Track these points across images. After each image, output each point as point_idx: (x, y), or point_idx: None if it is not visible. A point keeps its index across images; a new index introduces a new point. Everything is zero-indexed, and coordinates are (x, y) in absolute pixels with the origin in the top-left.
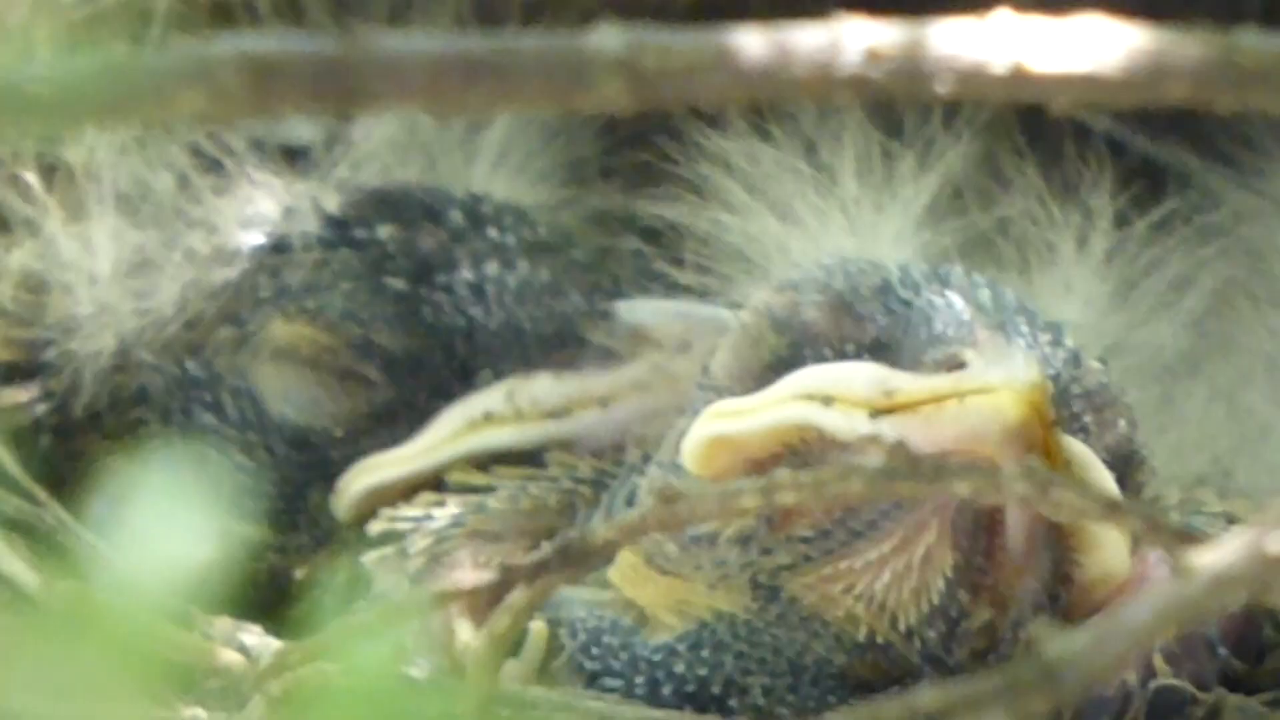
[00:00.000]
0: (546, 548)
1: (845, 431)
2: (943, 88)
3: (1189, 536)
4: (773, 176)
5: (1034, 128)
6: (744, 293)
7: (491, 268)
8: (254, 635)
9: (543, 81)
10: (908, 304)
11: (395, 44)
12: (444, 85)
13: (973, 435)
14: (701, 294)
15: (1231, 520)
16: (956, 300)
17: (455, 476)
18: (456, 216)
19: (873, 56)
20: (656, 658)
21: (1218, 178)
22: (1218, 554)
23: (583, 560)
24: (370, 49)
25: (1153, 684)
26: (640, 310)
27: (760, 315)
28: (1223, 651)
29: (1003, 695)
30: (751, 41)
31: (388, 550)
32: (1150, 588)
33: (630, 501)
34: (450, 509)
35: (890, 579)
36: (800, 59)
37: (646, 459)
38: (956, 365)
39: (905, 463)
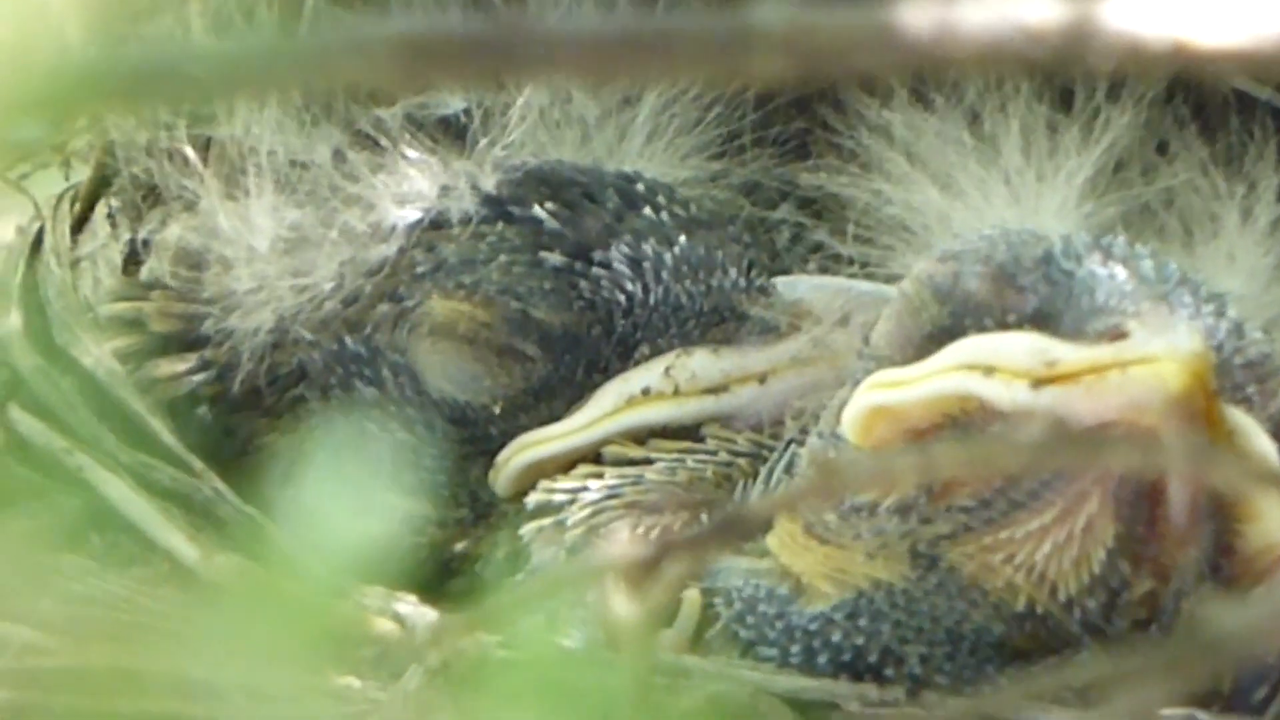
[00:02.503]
0: (704, 519)
1: (1006, 401)
2: (1104, 64)
3: None
4: (935, 147)
5: (1198, 99)
6: (905, 264)
7: (650, 244)
8: (409, 605)
9: (700, 53)
10: (1070, 274)
11: (551, 22)
12: (599, 58)
13: (1135, 405)
14: (862, 265)
15: None
16: (1119, 271)
17: (612, 449)
18: (613, 196)
19: (1035, 32)
20: (813, 627)
21: None
22: None
23: (740, 532)
24: (526, 28)
25: None
26: (798, 285)
27: (922, 284)
28: None
29: (1164, 669)
30: (915, 18)
31: (545, 522)
32: None
33: (790, 472)
34: (607, 481)
35: (1051, 549)
36: (963, 35)
37: (805, 431)
38: (1119, 336)
39: (1061, 434)
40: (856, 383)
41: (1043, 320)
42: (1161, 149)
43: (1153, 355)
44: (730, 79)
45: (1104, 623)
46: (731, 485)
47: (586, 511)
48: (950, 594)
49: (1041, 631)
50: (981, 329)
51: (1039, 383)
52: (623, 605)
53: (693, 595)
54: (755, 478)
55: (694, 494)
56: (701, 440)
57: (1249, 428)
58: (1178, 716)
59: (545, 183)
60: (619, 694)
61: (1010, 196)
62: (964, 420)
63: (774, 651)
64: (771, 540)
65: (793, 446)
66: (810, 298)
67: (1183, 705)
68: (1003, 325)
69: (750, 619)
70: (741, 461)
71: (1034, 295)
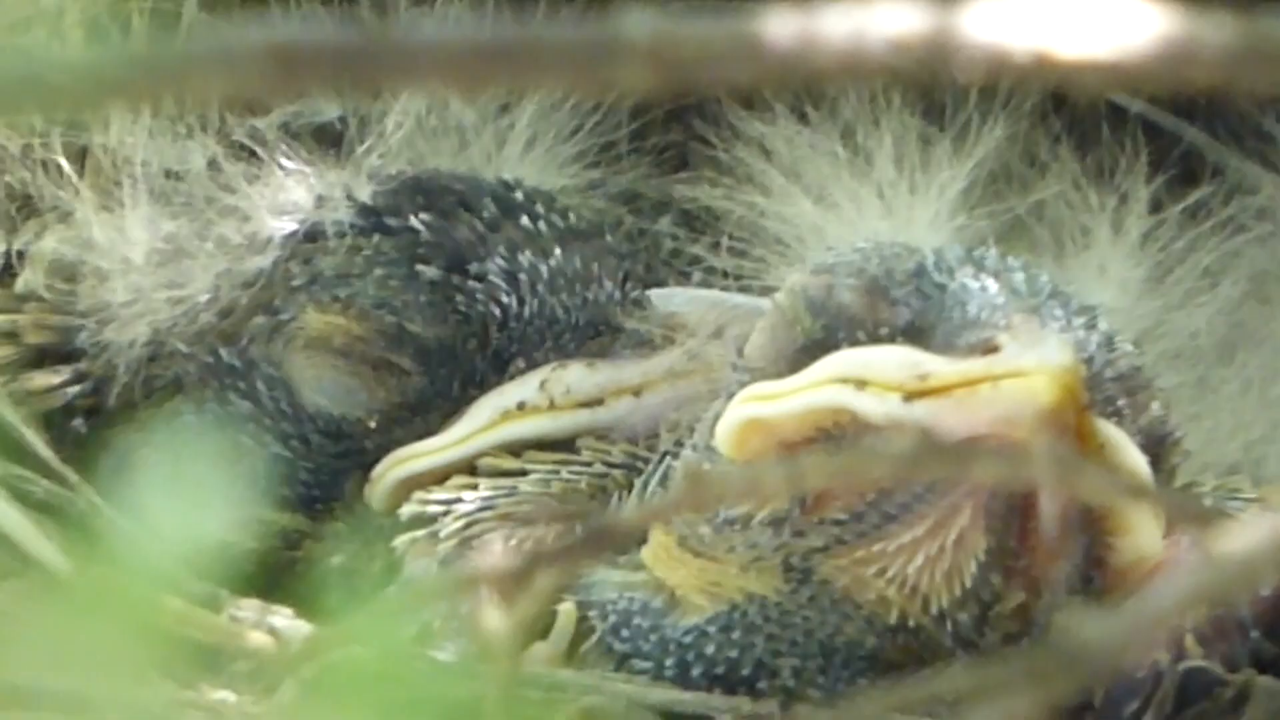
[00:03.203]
0: (575, 530)
1: (878, 414)
2: (968, 73)
3: (1217, 519)
4: (809, 160)
5: (1070, 112)
6: (779, 277)
7: (525, 256)
8: (284, 618)
9: (565, 64)
10: (942, 288)
11: (421, 31)
12: (467, 68)
13: (1006, 418)
14: (737, 278)
15: (1266, 507)
16: (991, 284)
17: (487, 461)
18: (490, 205)
19: (898, 41)
20: (687, 640)
21: (1251, 165)
22: (1245, 536)
23: (611, 543)
24: (396, 36)
25: (1182, 665)
26: (673, 298)
27: (795, 297)
28: (1255, 634)
29: (1029, 678)
30: (777, 26)
31: (418, 534)
32: (1178, 570)
33: (664, 485)
34: (481, 493)
35: (923, 562)
36: (826, 44)
37: (680, 443)
38: (990, 349)
39: (930, 446)
40: (730, 395)
41: (915, 333)
42: (1034, 162)
43: (1024, 369)
44: (597, 88)
45: (976, 635)
46: (606, 497)
47: (460, 523)
48: (823, 607)
49: (914, 644)
50: (854, 342)
51: (911, 396)
52: (493, 617)
53: (568, 608)
54: (630, 490)
55: (568, 506)
56: (576, 452)
57: (1120, 440)
58: None
59: (421, 191)
60: (490, 706)
61: (884, 209)
62: (837, 433)
63: (648, 664)
64: (646, 553)
65: (667, 459)
66: (685, 310)
67: (1052, 718)
68: (875, 338)
69: (625, 632)
70: (616, 473)
71: (906, 308)
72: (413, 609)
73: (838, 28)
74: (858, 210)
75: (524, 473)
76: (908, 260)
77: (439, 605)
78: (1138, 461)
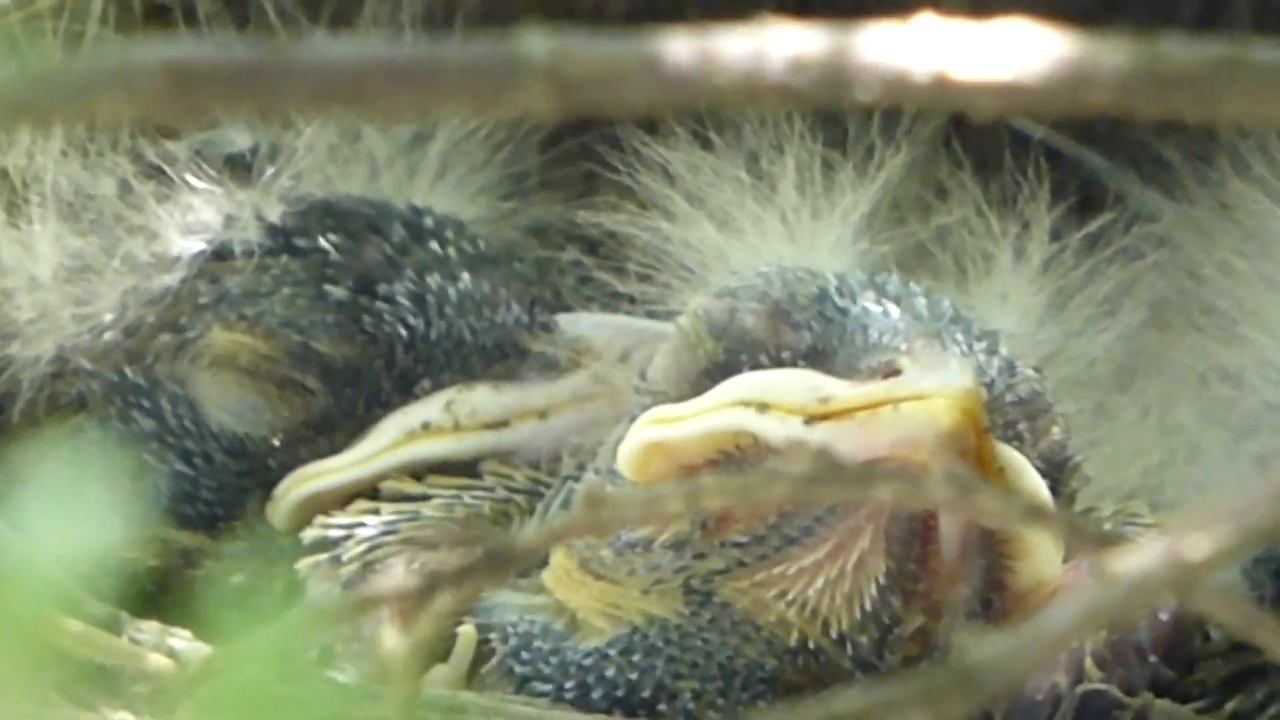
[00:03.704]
0: (473, 552)
1: (780, 438)
2: (866, 95)
3: (1110, 542)
4: (713, 185)
5: (972, 139)
6: (684, 301)
7: (433, 279)
8: (183, 640)
9: (467, 87)
10: (844, 312)
11: (318, 50)
12: (367, 90)
13: (907, 441)
14: (642, 303)
15: (1162, 532)
16: (892, 308)
17: (389, 485)
18: (399, 229)
19: (797, 63)
20: (587, 662)
21: (1153, 193)
22: (1137, 559)
23: (509, 565)
24: (292, 55)
25: (1080, 688)
26: (580, 322)
27: (697, 321)
28: (1153, 659)
29: (922, 698)
30: (677, 47)
31: (321, 558)
32: (1071, 592)
33: (565, 507)
34: (384, 517)
35: (823, 585)
36: (725, 65)
37: (582, 467)
38: (892, 372)
39: (830, 468)
40: (633, 419)
41: (817, 357)
42: (936, 188)
43: (924, 392)
44: (496, 109)
45: (876, 657)
46: (509, 522)
47: (362, 548)
48: (723, 629)
49: (814, 666)
50: (756, 365)
51: (812, 419)
52: (393, 639)
53: (468, 630)
54: (533, 514)
55: (471, 531)
56: (480, 476)
57: (1019, 464)
58: None
59: (330, 214)
60: None
61: (786, 234)
62: (739, 457)
63: (549, 687)
64: (547, 576)
65: (569, 483)
66: (591, 334)
67: None
68: (778, 362)
69: (525, 654)
70: (519, 498)
71: (808, 332)
72: (312, 630)
73: (738, 49)
74: (761, 235)
75: (427, 497)
76: (810, 285)
77: (339, 627)
78: (1037, 485)
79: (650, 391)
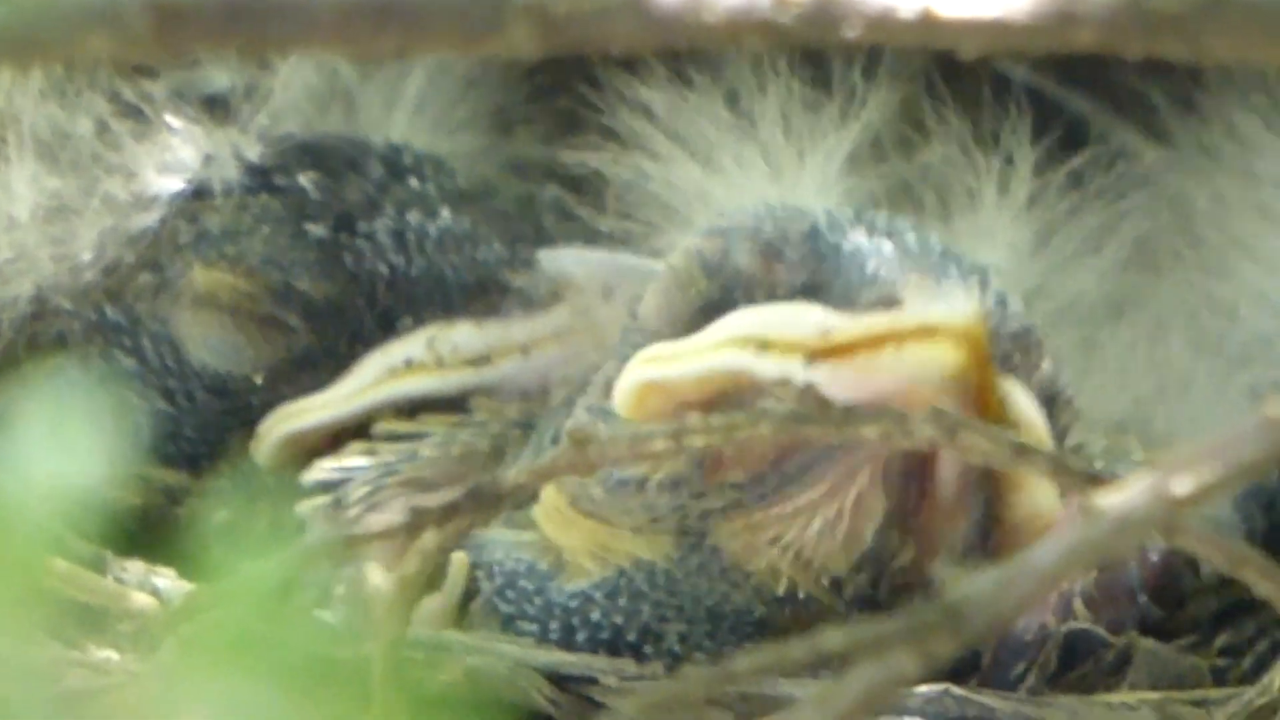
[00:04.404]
0: (458, 491)
1: (779, 379)
2: (852, 32)
3: (1096, 479)
4: (695, 124)
5: (954, 76)
6: (666, 240)
7: (414, 216)
8: (167, 579)
9: (452, 26)
10: (836, 247)
11: None
12: (352, 30)
13: (909, 382)
14: (624, 241)
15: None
16: (884, 243)
17: (384, 425)
18: (377, 167)
19: (782, 2)
20: (573, 604)
21: (1134, 130)
22: (1123, 496)
23: (494, 503)
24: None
25: (1065, 627)
26: (562, 258)
27: (690, 259)
28: (1143, 598)
29: (907, 636)
30: None
31: (323, 500)
32: (1057, 530)
33: (555, 443)
34: (382, 458)
35: (821, 526)
36: (711, 4)
37: (572, 402)
38: (892, 304)
39: (816, 407)
40: (624, 357)
41: (813, 293)
42: (919, 126)
43: (929, 320)
44: (479, 47)
45: (871, 597)
46: (505, 457)
47: (364, 490)
48: (711, 575)
49: (803, 614)
50: (751, 303)
51: (814, 355)
52: (377, 578)
53: (460, 558)
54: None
55: (469, 467)
56: (468, 412)
57: (1019, 396)
58: (932, 692)
59: (309, 152)
60: (375, 668)
61: (770, 173)
62: (737, 397)
63: (534, 627)
64: (538, 513)
65: (558, 418)
66: (573, 270)
67: (938, 680)
68: (772, 299)
69: (510, 593)
70: (514, 432)
71: (803, 269)
72: (297, 569)
73: None
74: (744, 174)
75: (422, 436)
76: (801, 222)
77: (325, 567)
78: (1035, 417)
79: (641, 330)
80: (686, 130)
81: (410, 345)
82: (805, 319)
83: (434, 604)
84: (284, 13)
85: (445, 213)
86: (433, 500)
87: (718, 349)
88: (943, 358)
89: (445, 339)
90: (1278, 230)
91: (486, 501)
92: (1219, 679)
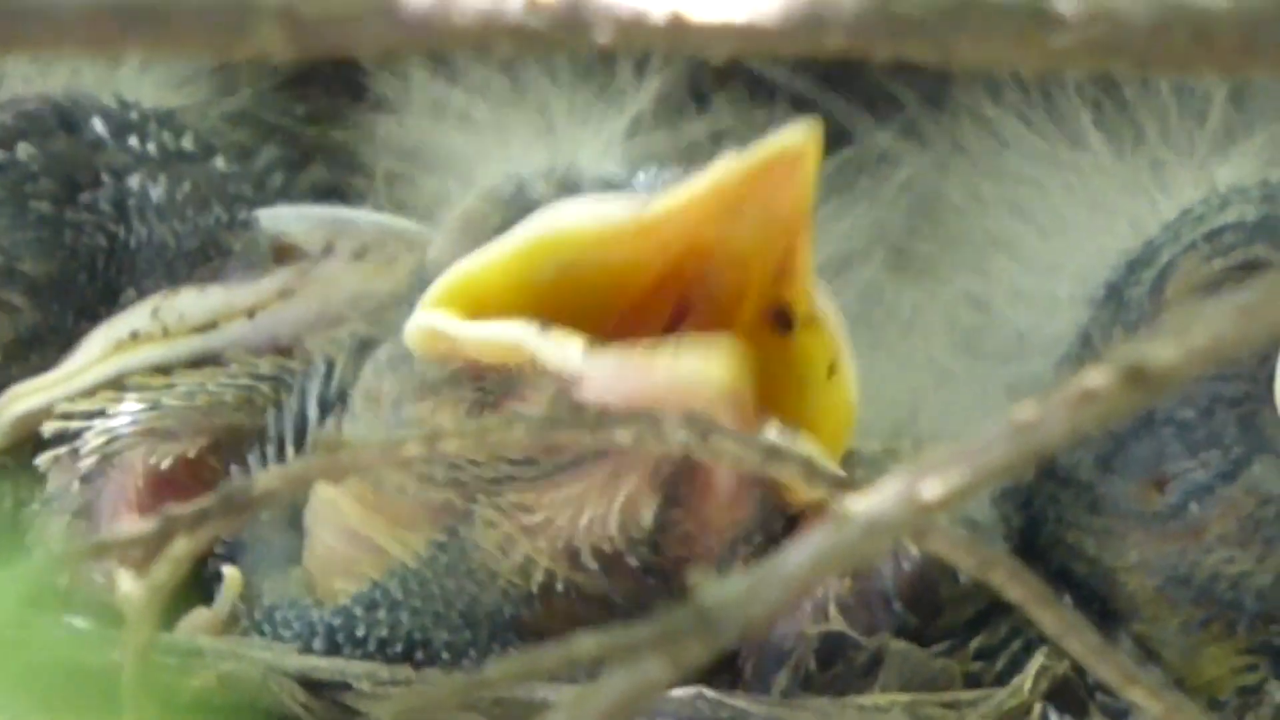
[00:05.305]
0: (208, 497)
1: (558, 362)
2: (603, 37)
3: (845, 483)
4: (468, 89)
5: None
6: (434, 205)
7: (134, 181)
8: None
9: (201, 28)
10: (630, 181)
11: None
12: (100, 32)
13: (684, 388)
14: (395, 208)
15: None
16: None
17: (137, 378)
18: (98, 125)
19: (533, 5)
20: (335, 621)
21: (889, 135)
22: (873, 500)
23: (245, 509)
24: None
25: (816, 628)
26: (282, 217)
27: (483, 199)
28: (897, 605)
29: (659, 641)
30: None
31: (60, 451)
32: (807, 535)
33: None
34: (125, 406)
35: (591, 516)
36: (461, 7)
37: (363, 344)
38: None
39: (568, 411)
40: (412, 304)
41: None
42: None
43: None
44: (231, 51)
45: (642, 599)
46: (253, 409)
47: (102, 439)
48: (459, 575)
49: (560, 612)
50: None
51: (592, 345)
52: (127, 583)
53: (233, 574)
54: (278, 403)
55: (214, 419)
56: (223, 364)
57: (832, 314)
58: (686, 695)
59: (24, 117)
60: (126, 674)
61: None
62: (517, 372)
63: (297, 643)
64: (344, 503)
65: (344, 358)
66: (294, 229)
67: (694, 683)
68: None
69: (275, 617)
70: (264, 386)
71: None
72: (43, 575)
73: None
74: (522, 143)
75: (171, 387)
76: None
77: (69, 571)
78: (843, 338)
79: (436, 265)
80: (454, 95)
81: (135, 316)
82: (614, 204)
83: (203, 617)
84: (30, 13)
85: (163, 178)
86: (174, 452)
87: (505, 326)
88: (715, 370)
89: (170, 308)
90: (1032, 227)
91: (237, 507)
92: (974, 682)
